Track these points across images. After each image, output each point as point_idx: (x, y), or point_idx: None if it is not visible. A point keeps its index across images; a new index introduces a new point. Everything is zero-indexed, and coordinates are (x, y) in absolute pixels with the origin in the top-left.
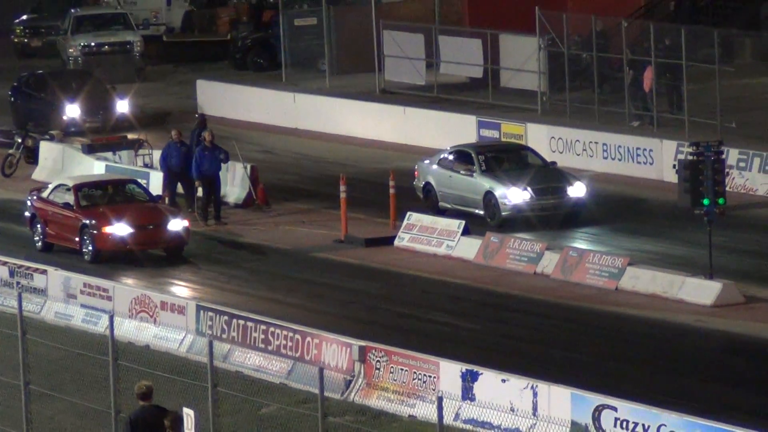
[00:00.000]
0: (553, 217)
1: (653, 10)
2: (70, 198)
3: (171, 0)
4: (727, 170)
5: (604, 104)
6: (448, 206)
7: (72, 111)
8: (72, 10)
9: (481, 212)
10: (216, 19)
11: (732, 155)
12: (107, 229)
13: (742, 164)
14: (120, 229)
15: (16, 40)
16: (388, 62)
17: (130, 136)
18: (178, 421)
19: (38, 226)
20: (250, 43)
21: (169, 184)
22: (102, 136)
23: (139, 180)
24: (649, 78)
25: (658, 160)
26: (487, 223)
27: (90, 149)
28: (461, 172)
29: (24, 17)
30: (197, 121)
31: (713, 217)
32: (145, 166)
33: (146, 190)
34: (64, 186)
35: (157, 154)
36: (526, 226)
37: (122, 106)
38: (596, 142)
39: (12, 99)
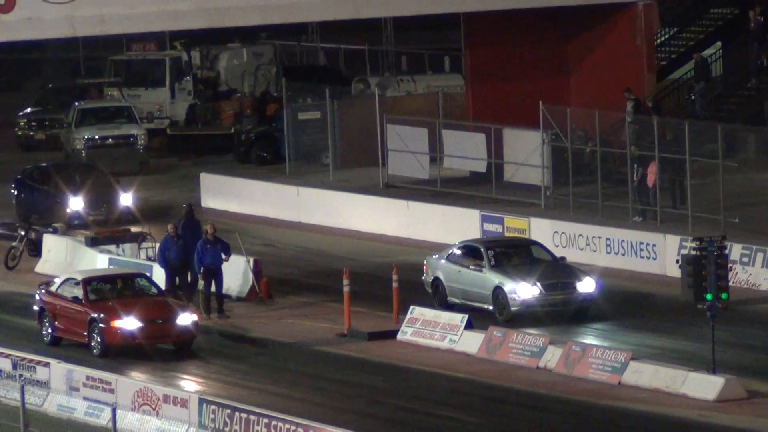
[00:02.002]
0: (562, 313)
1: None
2: (78, 292)
3: (175, 93)
4: (730, 265)
5: (607, 199)
6: (457, 301)
7: (75, 204)
8: (76, 103)
9: (491, 308)
10: (220, 113)
11: (735, 250)
12: (116, 324)
13: (745, 259)
14: (129, 324)
15: (20, 132)
16: (392, 156)
17: (134, 229)
18: None
19: (46, 320)
20: (254, 137)
21: (168, 278)
22: (105, 229)
23: None
24: (653, 173)
25: (661, 255)
26: (496, 319)
27: (93, 242)
28: (470, 267)
29: (28, 110)
30: (184, 212)
31: (716, 312)
32: (149, 259)
33: (155, 284)
34: (72, 280)
35: None
36: (536, 322)
37: (126, 199)
38: (599, 237)
39: (15, 192)
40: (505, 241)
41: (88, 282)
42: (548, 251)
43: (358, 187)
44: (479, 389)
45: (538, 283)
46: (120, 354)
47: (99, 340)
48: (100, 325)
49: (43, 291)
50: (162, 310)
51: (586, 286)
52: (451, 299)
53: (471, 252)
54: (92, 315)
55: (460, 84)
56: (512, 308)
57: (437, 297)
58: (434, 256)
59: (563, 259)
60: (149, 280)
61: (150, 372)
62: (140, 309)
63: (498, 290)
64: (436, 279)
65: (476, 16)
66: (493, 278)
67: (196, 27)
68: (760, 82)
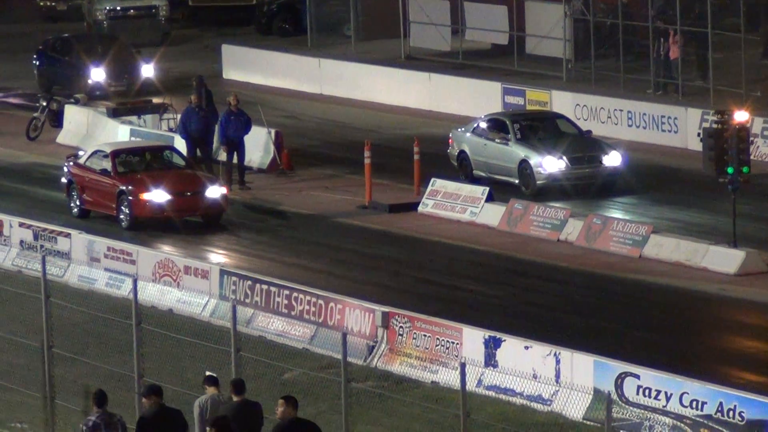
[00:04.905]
0: (588, 187)
1: None
2: (107, 164)
3: None
4: (751, 139)
5: (629, 72)
6: (483, 175)
7: (97, 75)
8: None
9: (516, 181)
10: None
11: (757, 124)
12: (145, 196)
13: (766, 133)
14: (157, 196)
15: (41, 3)
16: (414, 28)
17: (155, 100)
18: None
19: (75, 192)
20: (276, 8)
21: (189, 149)
22: (127, 100)
23: None
24: (675, 46)
25: (682, 128)
26: (522, 193)
27: (115, 113)
28: (496, 140)
29: None
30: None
31: (737, 185)
32: (170, 130)
33: (184, 156)
34: (101, 152)
35: None
36: (562, 195)
37: (147, 71)
38: (621, 110)
39: (37, 63)
40: (531, 114)
41: (116, 154)
42: (575, 125)
43: (380, 58)
44: (500, 261)
45: (564, 157)
46: (148, 226)
47: (127, 212)
48: (129, 197)
49: (71, 163)
50: (191, 182)
51: (613, 159)
52: (476, 173)
53: (497, 125)
54: (121, 187)
55: None
56: (538, 182)
57: (463, 170)
58: (460, 130)
59: (589, 132)
60: (177, 152)
61: (174, 244)
62: (169, 181)
63: (524, 163)
64: (462, 152)
65: None
66: (519, 151)
67: None
68: None
